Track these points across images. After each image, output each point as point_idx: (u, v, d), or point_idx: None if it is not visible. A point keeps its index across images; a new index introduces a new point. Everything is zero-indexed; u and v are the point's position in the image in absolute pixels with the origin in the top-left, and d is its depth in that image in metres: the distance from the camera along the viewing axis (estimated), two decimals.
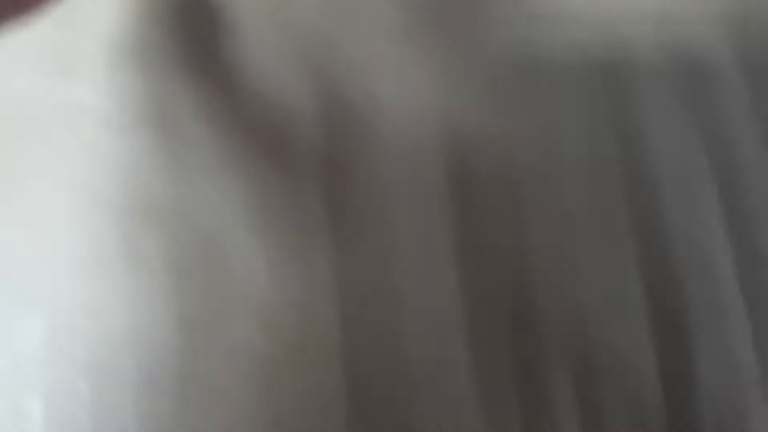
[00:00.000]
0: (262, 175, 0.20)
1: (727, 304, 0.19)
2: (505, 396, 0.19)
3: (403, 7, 0.21)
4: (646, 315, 0.19)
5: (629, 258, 0.19)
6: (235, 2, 0.22)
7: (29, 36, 0.22)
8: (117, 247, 0.19)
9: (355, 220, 0.19)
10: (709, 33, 0.21)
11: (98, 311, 0.19)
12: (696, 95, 0.20)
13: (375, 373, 0.18)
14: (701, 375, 0.19)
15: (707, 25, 0.21)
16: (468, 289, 0.19)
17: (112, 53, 0.20)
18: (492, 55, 0.21)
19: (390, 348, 0.19)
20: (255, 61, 0.21)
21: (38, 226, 0.20)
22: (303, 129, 0.20)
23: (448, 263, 0.19)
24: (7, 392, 0.19)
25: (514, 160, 0.19)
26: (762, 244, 0.20)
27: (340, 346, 0.19)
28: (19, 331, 0.19)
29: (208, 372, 0.19)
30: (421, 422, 0.18)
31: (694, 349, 0.19)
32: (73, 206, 0.20)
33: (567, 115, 0.20)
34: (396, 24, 0.21)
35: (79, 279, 0.19)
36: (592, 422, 0.18)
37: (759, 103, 0.20)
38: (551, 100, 0.20)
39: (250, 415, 0.18)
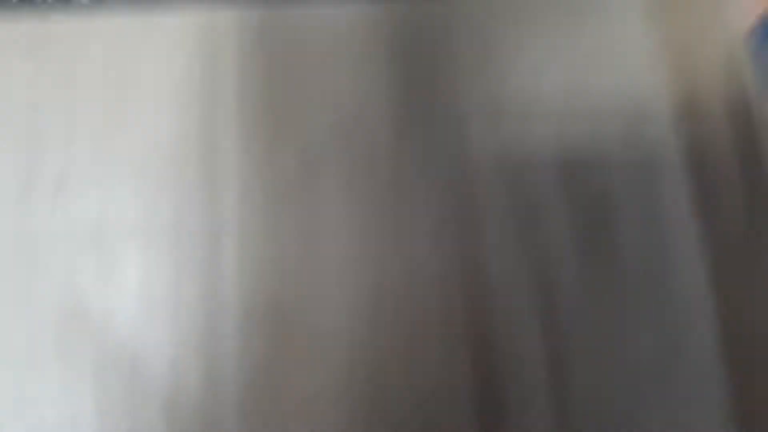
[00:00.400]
0: (180, 287, 0.25)
1: (537, 397, 0.25)
2: None
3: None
4: (471, 402, 0.25)
5: (462, 355, 0.25)
6: None
7: None
8: (51, 351, 0.24)
9: (258, 319, 0.25)
10: (544, 177, 0.27)
11: (30, 404, 0.24)
12: (529, 229, 0.27)
13: None
14: None
15: (543, 170, 0.27)
16: (347, 374, 0.25)
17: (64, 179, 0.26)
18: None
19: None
20: None
21: None
22: None
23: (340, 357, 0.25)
24: None
25: (385, 280, 0.26)
26: (568, 346, 0.25)
27: (233, 429, 0.24)
28: None
29: None
30: None
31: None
32: (14, 314, 0.25)
33: (425, 246, 0.26)
34: None
35: (16, 378, 0.24)
36: None
37: (576, 232, 0.27)
38: (415, 241, 0.26)
39: None
